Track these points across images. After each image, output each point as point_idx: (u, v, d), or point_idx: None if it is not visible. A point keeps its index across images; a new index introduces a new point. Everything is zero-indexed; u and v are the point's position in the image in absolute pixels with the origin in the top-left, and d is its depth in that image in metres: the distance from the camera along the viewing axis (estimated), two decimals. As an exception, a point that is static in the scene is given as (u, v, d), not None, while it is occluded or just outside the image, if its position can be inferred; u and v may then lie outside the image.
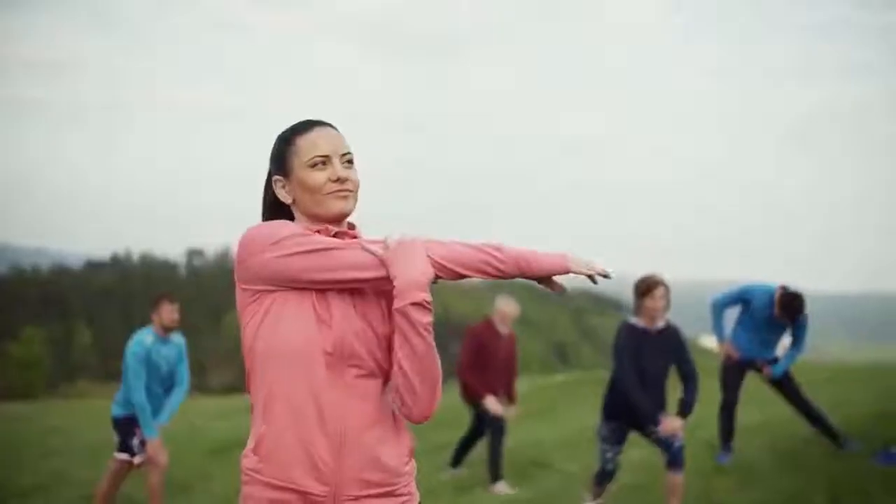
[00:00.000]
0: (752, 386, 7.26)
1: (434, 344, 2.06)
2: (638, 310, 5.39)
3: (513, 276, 2.12)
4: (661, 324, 5.40)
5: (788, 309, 6.52)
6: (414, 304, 2.01)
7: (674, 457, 5.31)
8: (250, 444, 2.11)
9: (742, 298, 6.86)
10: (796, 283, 6.76)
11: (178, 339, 6.33)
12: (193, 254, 79.61)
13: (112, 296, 68.13)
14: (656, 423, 5.24)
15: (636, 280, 5.41)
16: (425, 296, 2.03)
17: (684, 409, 5.34)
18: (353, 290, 2.10)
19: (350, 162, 2.15)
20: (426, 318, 2.03)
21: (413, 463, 2.20)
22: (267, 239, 2.05)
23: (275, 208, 2.22)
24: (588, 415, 11.07)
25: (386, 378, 2.13)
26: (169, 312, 6.15)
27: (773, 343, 6.88)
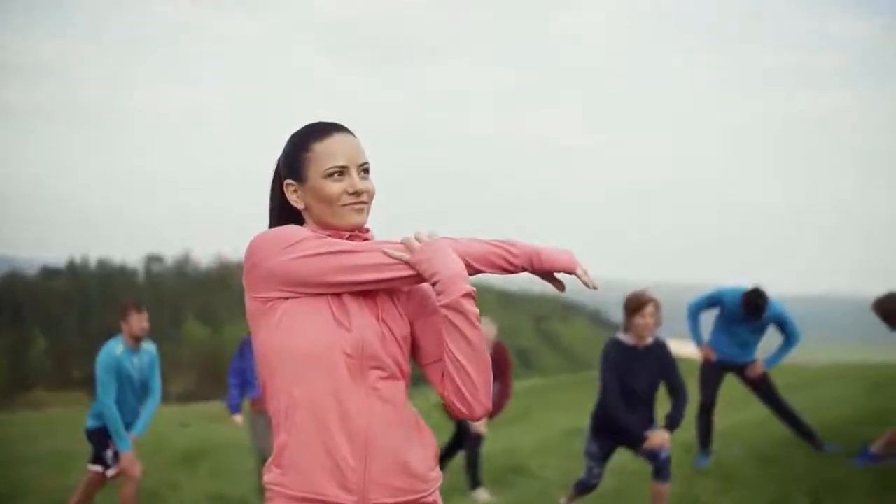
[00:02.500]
0: (728, 389, 7.27)
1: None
2: (627, 327, 5.32)
3: (522, 271, 2.11)
4: (649, 340, 5.34)
5: (751, 307, 6.58)
6: (464, 295, 1.97)
7: (660, 467, 5.26)
8: (271, 457, 2.04)
9: (716, 301, 6.90)
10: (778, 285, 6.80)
11: (149, 347, 6.19)
12: (152, 260, 78.59)
13: (68, 303, 67.03)
14: (643, 440, 5.19)
15: (626, 297, 5.35)
16: (472, 287, 1.99)
17: (671, 424, 5.30)
18: (368, 292, 2.04)
19: (366, 171, 2.10)
20: (476, 309, 2.00)
21: (438, 469, 2.13)
22: (281, 242, 1.99)
23: (284, 213, 2.15)
24: (560, 420, 11.10)
25: (406, 380, 2.08)
26: (137, 321, 6.00)
27: (752, 344, 6.89)
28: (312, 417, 1.97)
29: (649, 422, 5.34)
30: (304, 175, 2.07)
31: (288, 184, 2.11)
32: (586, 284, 2.14)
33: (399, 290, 2.10)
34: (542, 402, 12.19)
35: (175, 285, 71.69)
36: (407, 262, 2.00)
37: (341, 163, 2.05)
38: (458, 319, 1.98)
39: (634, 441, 5.25)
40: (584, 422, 10.16)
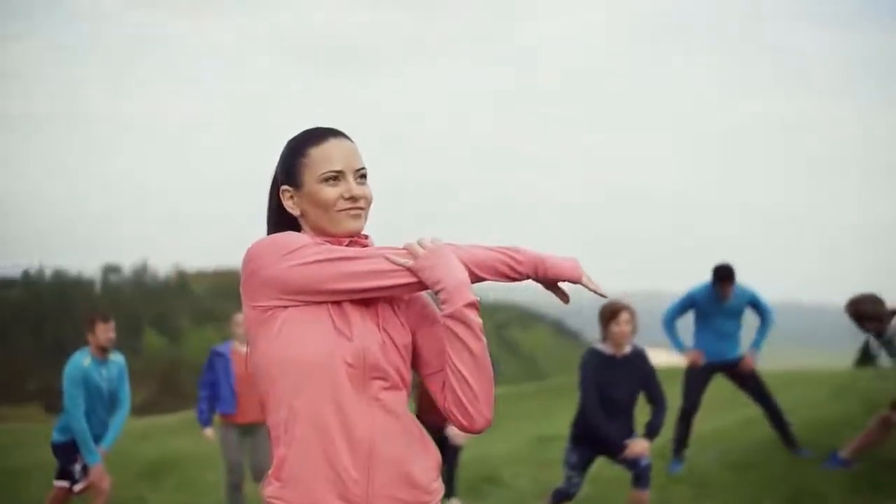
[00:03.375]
0: (723, 391, 7.31)
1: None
2: (604, 336, 5.30)
3: (526, 279, 2.07)
4: (627, 349, 5.32)
5: (722, 278, 6.69)
6: (468, 305, 1.92)
7: (640, 475, 5.24)
8: (271, 470, 1.98)
9: (688, 303, 6.98)
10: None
11: (117, 358, 6.07)
12: (109, 270, 77.63)
13: (23, 314, 65.87)
14: (622, 449, 5.17)
15: (601, 306, 5.33)
16: (476, 297, 1.95)
17: (651, 432, 5.28)
18: (368, 300, 1.99)
19: (364, 177, 2.05)
20: (479, 320, 1.95)
21: (440, 481, 2.08)
22: (280, 249, 1.93)
23: (281, 219, 2.10)
24: (528, 428, 11.09)
25: (408, 390, 2.04)
26: (104, 332, 5.87)
27: (734, 335, 6.95)
28: (314, 429, 1.91)
29: (629, 431, 5.31)
30: (300, 181, 2.03)
31: (284, 190, 2.06)
32: (594, 292, 2.11)
33: (399, 298, 2.05)
34: (508, 410, 12.14)
35: (133, 296, 70.82)
36: (410, 269, 1.95)
37: (337, 168, 2.01)
38: (461, 329, 1.93)
39: (615, 450, 5.23)
40: (553, 430, 10.27)
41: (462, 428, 2.01)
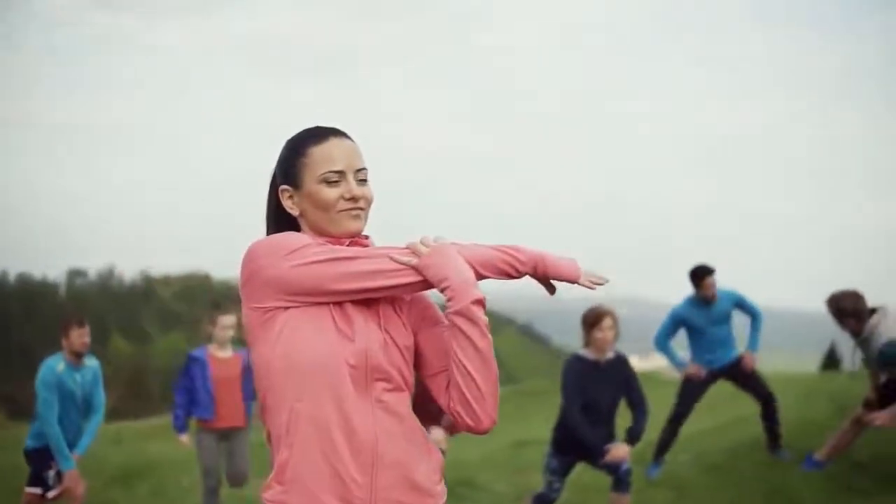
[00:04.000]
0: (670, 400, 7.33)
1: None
2: (587, 341, 5.31)
3: (524, 276, 2.07)
4: (610, 355, 5.34)
5: (701, 276, 6.72)
6: (475, 302, 1.91)
7: (621, 479, 5.26)
8: (272, 474, 1.95)
9: (675, 322, 6.95)
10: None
11: (91, 363, 6.00)
12: (75, 274, 76.72)
13: (-14, 319, 64.95)
14: (604, 455, 5.18)
15: (584, 312, 5.35)
16: (482, 294, 1.94)
17: (633, 437, 5.30)
18: (370, 301, 1.97)
19: (365, 178, 2.03)
20: (486, 318, 1.94)
21: (444, 483, 2.06)
22: (280, 250, 1.91)
23: (280, 219, 2.08)
24: (503, 433, 11.07)
25: (410, 391, 2.02)
26: (79, 336, 5.80)
27: (727, 339, 6.93)
28: (316, 431, 1.89)
29: (610, 436, 5.33)
30: (300, 180, 2.00)
31: (283, 189, 2.04)
32: (595, 285, 2.10)
33: (401, 298, 2.04)
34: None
35: (99, 301, 70.03)
36: (414, 268, 1.93)
37: (338, 167, 1.98)
38: (467, 327, 1.91)
39: (596, 455, 5.24)
40: (528, 434, 10.29)
41: (468, 428, 1.98)
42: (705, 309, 6.82)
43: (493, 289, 2.17)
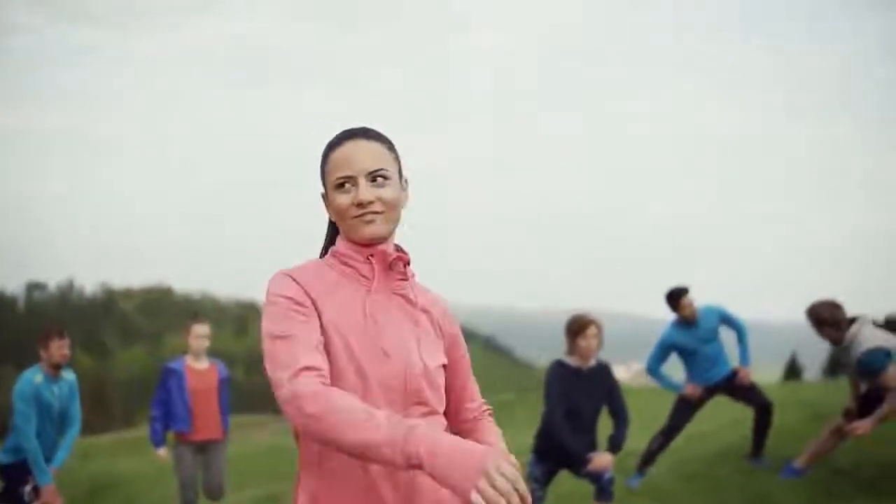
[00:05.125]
0: (653, 411, 7.39)
1: None
2: (570, 349, 5.33)
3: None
4: (592, 362, 5.36)
5: (676, 298, 6.74)
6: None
7: (603, 488, 5.28)
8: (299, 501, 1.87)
9: (665, 348, 6.93)
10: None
11: (69, 375, 5.90)
12: (34, 287, 75.53)
13: (-58, 333, 63.75)
14: (586, 462, 5.20)
15: (568, 319, 5.38)
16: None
17: (615, 446, 5.32)
18: (407, 317, 1.91)
19: (382, 177, 1.89)
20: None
21: None
22: (267, 296, 1.86)
23: (331, 227, 2.05)
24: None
25: (444, 416, 1.97)
26: (58, 348, 5.71)
27: (718, 355, 6.91)
28: (351, 463, 1.80)
29: (592, 444, 5.35)
30: (325, 188, 1.95)
31: (322, 195, 1.98)
32: None
33: (440, 314, 1.99)
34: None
35: (59, 314, 68.98)
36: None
37: (345, 173, 1.88)
38: None
39: (578, 464, 5.26)
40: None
41: None
42: (692, 330, 6.81)
43: (453, 303, 2.13)
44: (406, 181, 2.00)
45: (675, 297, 6.78)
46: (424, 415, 1.87)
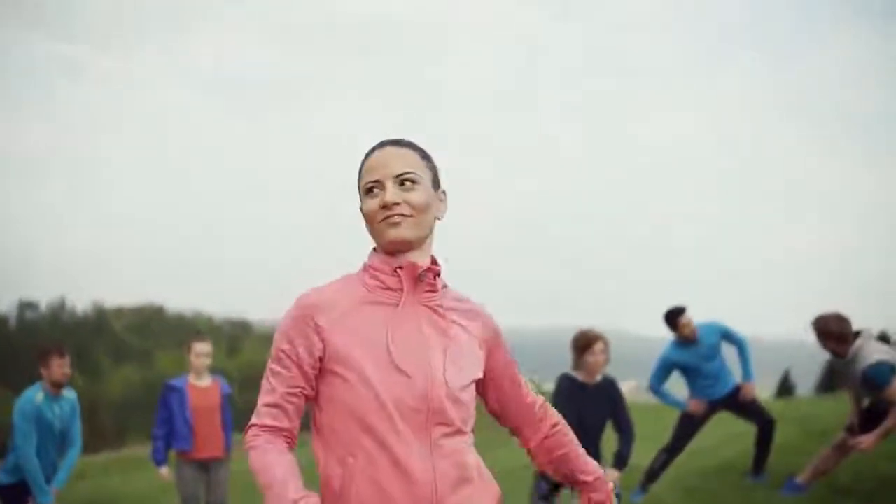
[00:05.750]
0: (654, 426, 7.39)
1: None
2: (577, 364, 5.34)
3: None
4: (598, 377, 5.36)
5: (674, 317, 6.75)
6: None
7: None
8: None
9: (666, 366, 6.94)
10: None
11: (70, 394, 5.89)
12: (25, 306, 75.08)
13: (-68, 353, 63.25)
14: None
15: (575, 335, 5.38)
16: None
17: (621, 462, 5.32)
18: (442, 332, 1.89)
19: (410, 181, 1.87)
20: None
21: None
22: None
23: None
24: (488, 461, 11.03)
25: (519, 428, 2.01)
26: (59, 367, 5.69)
27: (720, 371, 6.91)
28: (372, 489, 1.79)
29: (596, 459, 5.35)
30: (359, 196, 1.94)
31: (361, 210, 1.96)
32: None
33: (470, 326, 1.96)
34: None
35: (51, 334, 68.45)
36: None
37: (374, 177, 1.87)
38: None
39: None
40: (489, 463, 10.23)
41: None
42: (693, 347, 6.82)
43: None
44: (444, 192, 1.98)
45: (674, 318, 6.79)
46: (447, 435, 1.85)
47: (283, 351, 1.85)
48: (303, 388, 1.85)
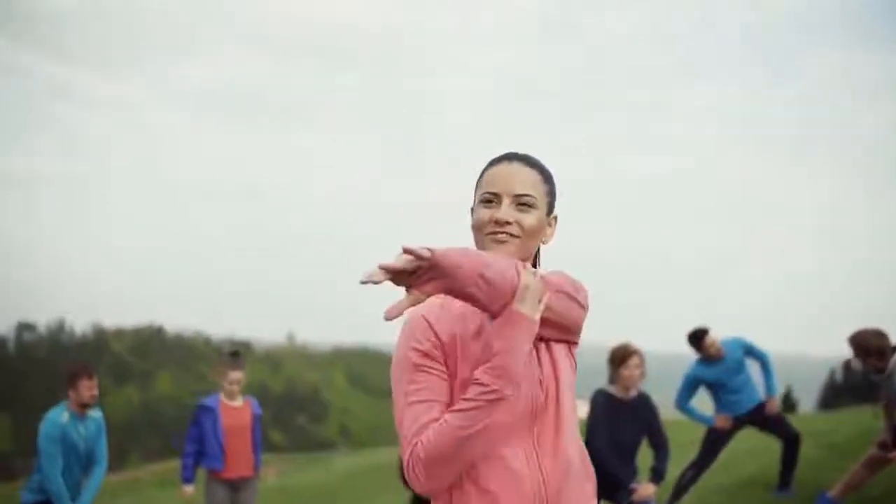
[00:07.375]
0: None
1: None
2: (613, 379, 5.35)
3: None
4: (634, 392, 5.38)
5: (697, 339, 6.80)
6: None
7: None
8: None
9: (692, 384, 6.97)
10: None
11: (96, 414, 5.88)
12: (24, 328, 75.01)
13: (-69, 375, 63.11)
14: (630, 492, 5.19)
15: (611, 349, 5.40)
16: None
17: (657, 477, 5.33)
18: (557, 338, 1.89)
19: (527, 205, 1.88)
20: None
21: None
22: (398, 342, 1.87)
23: None
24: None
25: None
26: (87, 388, 5.70)
27: (745, 385, 6.94)
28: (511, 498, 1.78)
29: (633, 474, 5.35)
30: (473, 202, 1.95)
31: (471, 211, 1.97)
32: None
33: (569, 333, 1.92)
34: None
35: (49, 355, 68.48)
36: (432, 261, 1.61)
37: (493, 189, 1.89)
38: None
39: (623, 493, 5.25)
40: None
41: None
42: (717, 364, 6.87)
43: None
44: (555, 218, 1.98)
45: (699, 339, 6.84)
46: (554, 438, 1.86)
47: (422, 362, 1.83)
48: (444, 394, 1.82)
